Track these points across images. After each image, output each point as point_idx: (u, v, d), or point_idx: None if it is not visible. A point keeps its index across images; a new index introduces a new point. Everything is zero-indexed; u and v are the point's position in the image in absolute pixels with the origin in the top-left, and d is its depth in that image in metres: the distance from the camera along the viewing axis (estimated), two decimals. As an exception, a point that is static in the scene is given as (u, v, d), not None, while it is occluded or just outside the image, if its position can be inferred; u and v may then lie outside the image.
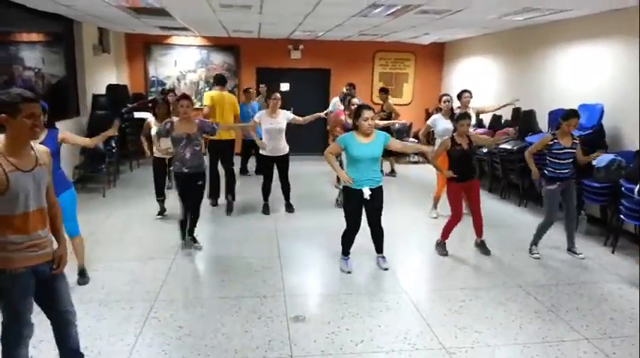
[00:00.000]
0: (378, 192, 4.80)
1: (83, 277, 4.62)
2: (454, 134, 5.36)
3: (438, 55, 12.11)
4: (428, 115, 11.94)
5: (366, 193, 4.66)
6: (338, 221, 5.47)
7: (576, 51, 7.15)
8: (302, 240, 5.93)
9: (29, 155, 2.59)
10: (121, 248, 5.55)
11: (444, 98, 6.91)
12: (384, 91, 9.87)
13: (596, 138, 6.26)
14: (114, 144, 8.44)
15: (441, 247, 5.56)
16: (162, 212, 6.65)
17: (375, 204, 4.84)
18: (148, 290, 4.47)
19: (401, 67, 12.17)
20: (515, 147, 7.41)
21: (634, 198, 5.21)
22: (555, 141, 5.17)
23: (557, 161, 5.19)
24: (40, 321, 3.77)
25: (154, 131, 6.22)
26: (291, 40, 11.43)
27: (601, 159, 5.71)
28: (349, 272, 4.94)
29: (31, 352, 3.41)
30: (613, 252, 5.62)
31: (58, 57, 8.76)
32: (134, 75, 11.44)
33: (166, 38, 11.31)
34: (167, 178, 6.86)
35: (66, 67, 8.74)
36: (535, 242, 5.53)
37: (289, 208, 7.09)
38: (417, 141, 11.33)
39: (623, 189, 5.40)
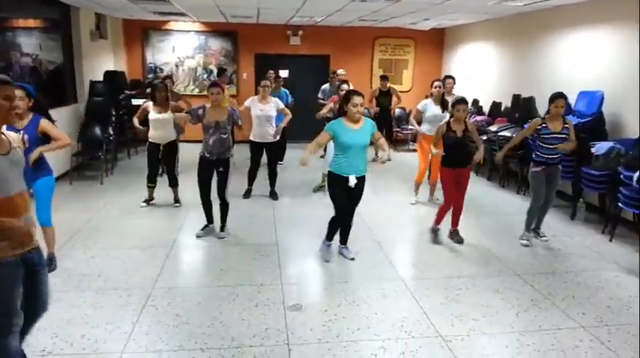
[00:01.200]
0: (361, 183, 4.70)
1: (49, 264, 4.48)
2: (450, 119, 5.27)
3: (438, 41, 12.01)
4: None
5: (352, 181, 4.56)
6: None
7: (577, 37, 7.09)
8: (299, 228, 5.93)
9: (2, 139, 2.53)
10: (119, 235, 5.54)
11: (435, 83, 6.81)
12: (384, 78, 9.85)
13: (596, 126, 6.23)
14: (111, 132, 8.41)
15: (435, 234, 5.55)
16: (149, 200, 6.62)
17: (355, 198, 4.79)
18: (146, 278, 4.47)
19: (401, 53, 12.08)
20: (514, 135, 7.36)
21: (633, 185, 5.20)
22: (544, 125, 5.12)
23: (544, 146, 5.13)
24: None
25: (151, 116, 6.20)
26: (290, 26, 11.34)
27: (600, 147, 5.71)
28: (327, 261, 4.92)
29: (28, 339, 3.43)
30: (611, 240, 5.61)
31: (56, 43, 8.72)
32: (132, 61, 11.36)
33: (164, 24, 11.21)
34: (160, 166, 6.82)
35: (63, 54, 8.68)
36: (527, 228, 5.50)
37: (273, 196, 7.09)
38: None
39: (621, 176, 5.38)
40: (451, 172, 5.32)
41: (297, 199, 7.09)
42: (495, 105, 9.10)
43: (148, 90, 7.99)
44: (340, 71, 9.81)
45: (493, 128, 8.08)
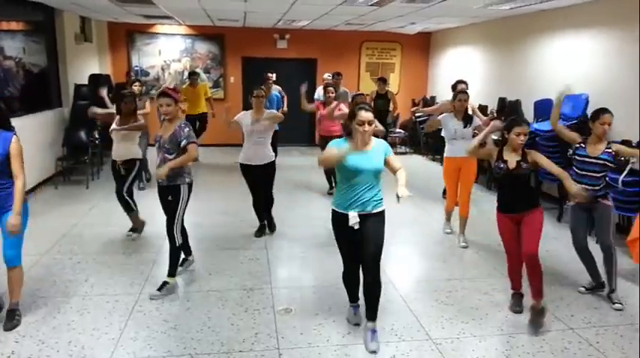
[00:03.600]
0: (374, 221, 3.52)
1: (11, 319, 3.64)
2: (504, 146, 3.96)
3: (424, 45, 12.09)
4: (414, 105, 11.97)
5: (353, 220, 3.41)
6: (324, 212, 5.43)
7: (561, 40, 7.16)
8: (288, 232, 5.90)
9: None
10: (105, 240, 5.46)
11: (460, 96, 5.46)
12: (383, 81, 9.73)
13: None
14: (97, 136, 8.32)
15: (514, 300, 4.14)
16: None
17: (367, 238, 3.50)
18: (133, 284, 4.41)
19: (387, 56, 12.13)
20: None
21: (618, 188, 5.25)
22: (581, 145, 4.19)
23: (578, 171, 4.20)
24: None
25: (112, 126, 5.48)
26: (277, 30, 11.33)
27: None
28: (357, 325, 3.80)
29: (13, 347, 3.38)
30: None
31: (39, 46, 8.58)
32: (117, 64, 11.25)
33: (150, 27, 11.13)
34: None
35: (47, 57, 8.56)
36: (609, 284, 4.31)
37: (270, 226, 5.90)
38: (404, 132, 11.36)
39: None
40: (507, 220, 3.98)
41: (287, 201, 7.04)
42: (481, 109, 9.12)
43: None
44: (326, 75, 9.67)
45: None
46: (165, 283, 4.25)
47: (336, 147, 3.41)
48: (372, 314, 3.61)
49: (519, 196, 3.91)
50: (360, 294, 3.77)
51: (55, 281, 4.42)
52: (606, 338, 3.69)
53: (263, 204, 5.78)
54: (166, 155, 4.13)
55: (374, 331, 3.57)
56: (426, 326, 3.83)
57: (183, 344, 3.50)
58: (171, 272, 4.32)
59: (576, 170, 4.22)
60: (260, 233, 5.76)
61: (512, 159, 3.85)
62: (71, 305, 4.00)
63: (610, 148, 4.11)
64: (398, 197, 3.29)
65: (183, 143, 4.10)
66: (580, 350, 3.54)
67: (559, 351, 3.52)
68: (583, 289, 4.47)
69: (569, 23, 6.96)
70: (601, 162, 4.09)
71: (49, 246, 5.18)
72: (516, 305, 4.10)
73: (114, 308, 3.97)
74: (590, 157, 4.12)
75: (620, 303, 4.18)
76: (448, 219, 5.99)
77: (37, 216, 5.92)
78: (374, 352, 3.47)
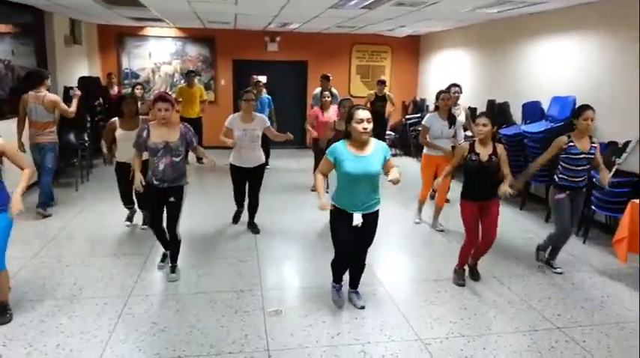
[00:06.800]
0: (372, 219, 3.87)
1: (3, 314, 3.77)
2: (474, 140, 4.41)
3: (414, 48, 12.16)
4: (404, 107, 12.04)
5: (357, 220, 3.74)
6: (314, 214, 5.48)
7: (549, 43, 7.24)
8: (279, 234, 5.91)
9: None
10: (94, 243, 5.45)
11: (443, 95, 5.87)
12: (382, 83, 9.75)
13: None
14: (86, 138, 8.30)
15: (458, 275, 4.64)
16: (131, 218, 6.08)
17: (365, 233, 3.90)
18: (122, 286, 4.40)
19: (377, 59, 12.19)
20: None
21: (604, 189, 5.31)
22: (571, 144, 4.52)
23: (571, 167, 4.56)
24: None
25: (118, 133, 5.40)
26: (267, 32, 11.35)
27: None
28: (341, 307, 4.12)
29: (1, 350, 3.37)
30: (584, 242, 5.73)
31: (29, 49, 8.54)
32: (107, 67, 11.21)
33: (140, 29, 11.11)
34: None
35: (36, 59, 8.52)
36: (552, 255, 4.98)
37: (253, 228, 5.94)
38: (394, 134, 11.41)
39: (594, 180, 5.49)
40: (473, 206, 4.43)
41: (278, 203, 7.05)
42: (471, 111, 9.19)
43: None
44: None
45: (469, 133, 8.17)
46: (175, 266, 4.67)
47: (325, 201, 3.79)
48: (356, 283, 4.23)
49: (486, 187, 4.35)
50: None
51: (44, 284, 4.40)
52: (592, 337, 3.73)
53: (248, 207, 6.00)
54: (174, 158, 4.33)
55: (358, 292, 4.22)
56: (415, 326, 3.85)
57: (172, 347, 3.50)
58: (174, 268, 4.69)
59: (569, 166, 4.57)
60: (236, 219, 6.16)
61: (484, 153, 4.30)
62: (60, 308, 3.98)
63: (594, 143, 4.58)
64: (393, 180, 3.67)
65: (195, 141, 4.50)
66: (567, 349, 3.58)
67: (546, 350, 3.56)
68: (542, 263, 5.02)
69: (556, 26, 7.03)
70: (590, 156, 4.54)
71: (38, 249, 5.16)
72: (461, 279, 4.61)
73: (103, 311, 3.96)
74: (583, 153, 4.51)
75: (560, 267, 4.89)
76: (420, 211, 6.40)
77: (26, 218, 5.91)
78: (363, 307, 4.08)
